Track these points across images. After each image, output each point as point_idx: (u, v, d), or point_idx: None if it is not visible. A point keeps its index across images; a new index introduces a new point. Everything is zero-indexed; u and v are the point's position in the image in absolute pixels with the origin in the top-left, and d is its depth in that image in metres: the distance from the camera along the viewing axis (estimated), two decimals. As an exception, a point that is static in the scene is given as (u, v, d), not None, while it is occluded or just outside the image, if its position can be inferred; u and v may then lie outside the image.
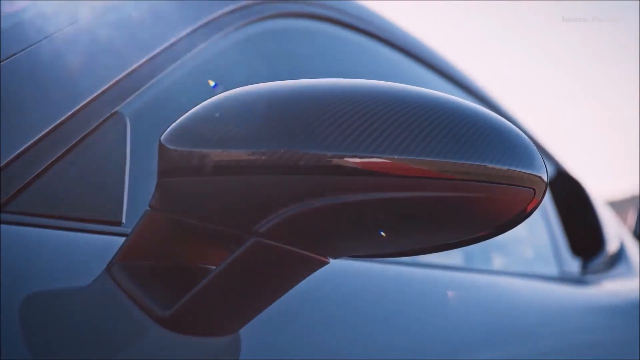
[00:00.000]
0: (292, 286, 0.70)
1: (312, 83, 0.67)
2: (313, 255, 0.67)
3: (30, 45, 0.85)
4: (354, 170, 0.61)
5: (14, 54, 0.82)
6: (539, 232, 2.04)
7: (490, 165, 0.63)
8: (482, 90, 1.98)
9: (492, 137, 0.64)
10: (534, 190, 0.66)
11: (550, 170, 2.43)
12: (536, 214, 2.03)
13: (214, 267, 0.64)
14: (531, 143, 0.68)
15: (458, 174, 0.62)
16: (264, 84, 0.67)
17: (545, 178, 0.67)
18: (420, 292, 1.21)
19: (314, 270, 0.70)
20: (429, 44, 1.80)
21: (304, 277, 0.70)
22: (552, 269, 1.94)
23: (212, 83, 1.07)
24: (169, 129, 0.65)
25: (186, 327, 0.66)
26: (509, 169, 0.64)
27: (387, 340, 0.97)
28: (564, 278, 1.93)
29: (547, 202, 2.09)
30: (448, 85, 1.79)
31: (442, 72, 1.77)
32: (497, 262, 1.93)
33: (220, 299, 0.66)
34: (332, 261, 0.74)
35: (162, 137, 0.65)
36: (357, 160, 0.61)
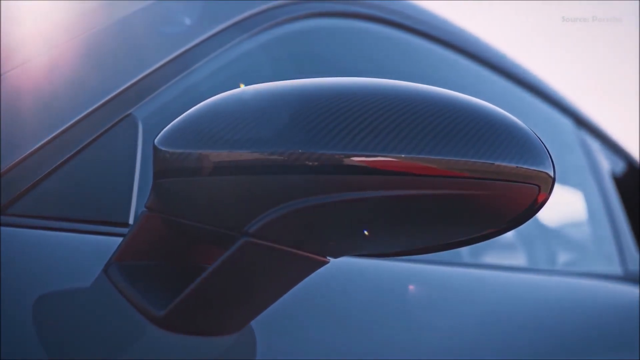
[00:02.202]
0: (291, 286, 0.70)
1: (310, 82, 0.66)
2: (310, 255, 0.66)
3: (50, 49, 0.87)
4: (355, 169, 0.60)
5: (32, 57, 0.84)
6: (601, 229, 1.97)
7: (489, 162, 0.61)
8: (538, 81, 1.92)
9: (491, 133, 0.63)
10: (539, 186, 0.64)
11: (621, 165, 2.34)
12: (600, 210, 1.96)
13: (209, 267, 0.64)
14: (535, 138, 0.65)
15: (457, 172, 0.61)
16: (258, 85, 0.67)
17: (551, 173, 0.65)
18: (482, 294, 1.18)
19: (313, 271, 0.69)
20: (474, 35, 1.76)
21: (304, 277, 0.70)
22: (615, 268, 1.87)
23: (242, 86, 1.07)
24: (162, 132, 0.66)
25: (181, 327, 0.66)
26: (507, 166, 0.62)
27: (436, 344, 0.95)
28: (629, 277, 1.86)
29: (613, 198, 2.02)
30: (497, 77, 1.75)
31: (491, 65, 1.73)
32: (556, 261, 1.88)
33: (213, 298, 0.66)
34: (341, 260, 0.74)
35: (156, 140, 0.66)
36: (360, 159, 0.60)
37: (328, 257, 0.69)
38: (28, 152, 0.73)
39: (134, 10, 0.98)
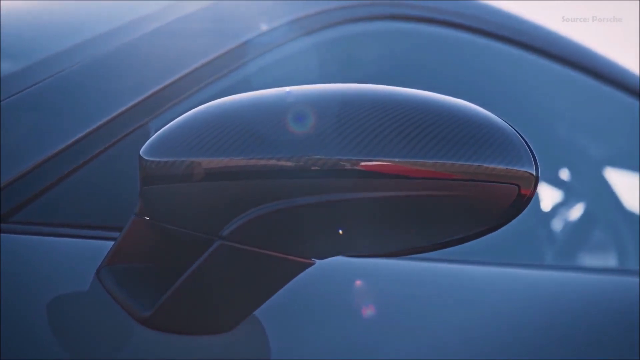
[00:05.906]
0: (279, 287, 0.72)
1: (294, 89, 0.68)
2: (291, 257, 0.68)
3: (79, 62, 0.91)
4: (336, 172, 0.61)
5: (63, 70, 0.88)
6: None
7: (459, 163, 0.62)
8: (620, 69, 1.83)
9: (466, 132, 0.63)
10: (518, 185, 0.64)
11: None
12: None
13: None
14: (515, 136, 0.65)
15: (433, 173, 0.61)
16: (239, 94, 0.69)
17: (533, 172, 0.65)
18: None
19: (299, 272, 0.71)
20: (549, 30, 1.70)
21: (289, 279, 0.71)
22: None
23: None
24: (146, 143, 0.69)
25: (168, 326, 0.69)
26: (481, 166, 0.62)
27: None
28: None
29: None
30: (580, 75, 1.70)
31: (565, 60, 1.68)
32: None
33: (195, 299, 0.69)
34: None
35: (140, 150, 0.69)
36: (341, 162, 0.61)
37: (313, 259, 0.70)
38: (37, 162, 0.77)
39: (168, 21, 1.02)
